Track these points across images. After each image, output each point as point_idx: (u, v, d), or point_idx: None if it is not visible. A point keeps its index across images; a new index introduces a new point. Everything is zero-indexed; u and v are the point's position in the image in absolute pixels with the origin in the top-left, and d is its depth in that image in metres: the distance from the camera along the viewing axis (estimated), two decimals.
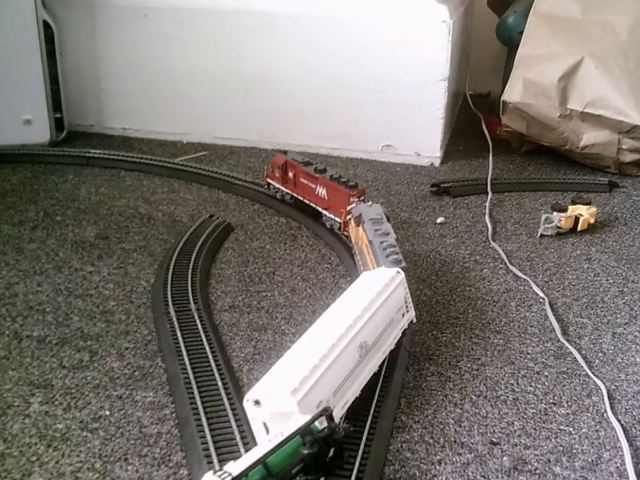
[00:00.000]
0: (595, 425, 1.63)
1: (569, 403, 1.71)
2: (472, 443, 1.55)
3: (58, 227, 2.61)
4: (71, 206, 2.81)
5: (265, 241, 2.58)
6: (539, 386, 1.77)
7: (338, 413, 1.44)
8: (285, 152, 2.91)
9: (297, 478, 1.22)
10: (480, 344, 1.96)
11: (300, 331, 1.90)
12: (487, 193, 3.07)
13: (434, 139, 3.42)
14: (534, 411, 1.68)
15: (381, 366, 1.70)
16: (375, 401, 1.63)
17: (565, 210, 2.70)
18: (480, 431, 1.59)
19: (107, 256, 2.40)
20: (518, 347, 1.94)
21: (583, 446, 1.56)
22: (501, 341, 1.98)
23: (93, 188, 3.02)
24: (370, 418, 1.57)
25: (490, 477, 1.46)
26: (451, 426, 1.61)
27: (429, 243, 2.60)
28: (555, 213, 2.69)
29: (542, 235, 2.67)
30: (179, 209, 2.83)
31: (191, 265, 2.30)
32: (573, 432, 1.60)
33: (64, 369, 1.78)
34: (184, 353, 1.81)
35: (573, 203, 2.77)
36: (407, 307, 1.84)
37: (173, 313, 2.00)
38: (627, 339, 2.00)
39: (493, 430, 1.60)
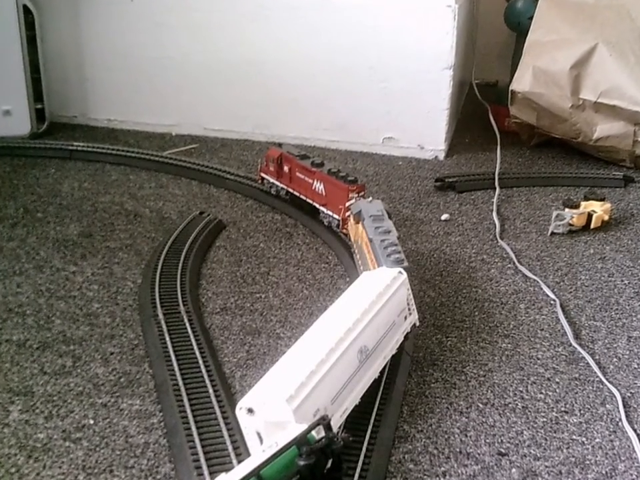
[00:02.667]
0: (609, 435, 1.63)
1: (582, 411, 1.71)
2: (478, 454, 1.55)
3: (39, 224, 2.61)
4: (52, 202, 2.80)
5: (258, 239, 2.57)
6: (550, 393, 1.77)
7: (336, 422, 1.44)
8: (279, 144, 2.90)
9: None
10: (487, 348, 1.96)
11: (296, 335, 1.90)
12: (495, 188, 3.07)
13: (438, 131, 3.42)
14: (544, 419, 1.68)
15: (382, 372, 1.70)
16: (375, 409, 1.63)
17: (577, 206, 2.70)
18: (487, 441, 1.59)
19: (90, 255, 2.40)
20: (527, 352, 1.94)
21: (597, 457, 1.56)
22: (509, 345, 1.98)
23: (76, 183, 3.02)
24: (370, 427, 1.57)
25: None
26: (457, 436, 1.61)
27: (433, 242, 2.60)
28: (566, 210, 2.69)
29: (553, 233, 2.67)
30: (168, 205, 2.83)
31: (180, 264, 2.30)
32: (585, 442, 1.60)
33: (45, 375, 1.78)
34: (173, 358, 1.81)
35: (586, 198, 2.77)
36: (409, 309, 1.84)
37: (161, 316, 2.00)
38: None
39: (501, 440, 1.60)
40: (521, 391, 1.77)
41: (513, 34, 3.98)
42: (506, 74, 3.86)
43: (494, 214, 2.83)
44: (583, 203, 2.73)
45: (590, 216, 2.69)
